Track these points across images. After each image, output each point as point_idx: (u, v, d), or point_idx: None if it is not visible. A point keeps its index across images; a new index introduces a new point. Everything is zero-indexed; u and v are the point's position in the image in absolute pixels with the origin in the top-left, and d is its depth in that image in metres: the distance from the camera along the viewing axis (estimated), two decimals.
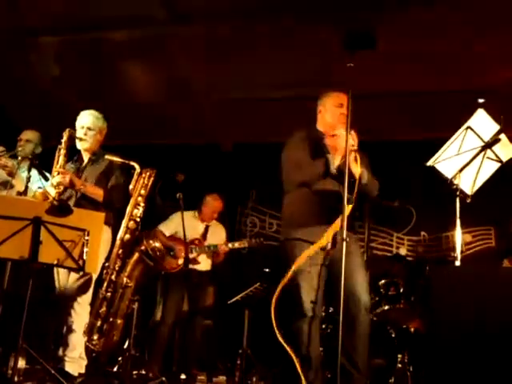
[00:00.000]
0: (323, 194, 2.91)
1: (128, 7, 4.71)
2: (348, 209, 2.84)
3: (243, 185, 6.41)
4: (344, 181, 2.77)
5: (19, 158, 4.10)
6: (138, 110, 5.80)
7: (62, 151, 3.63)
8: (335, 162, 3.08)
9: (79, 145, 3.78)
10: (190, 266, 4.79)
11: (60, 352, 3.43)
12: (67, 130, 3.70)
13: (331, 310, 4.31)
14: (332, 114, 3.27)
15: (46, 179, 4.08)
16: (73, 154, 3.86)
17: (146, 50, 5.17)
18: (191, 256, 4.85)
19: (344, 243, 2.84)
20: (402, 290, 4.55)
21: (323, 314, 3.22)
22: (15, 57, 5.44)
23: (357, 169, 3.03)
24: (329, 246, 3.01)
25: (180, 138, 6.45)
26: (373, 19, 4.39)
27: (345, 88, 3.11)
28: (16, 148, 4.15)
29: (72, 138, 3.72)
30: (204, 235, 5.14)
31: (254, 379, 4.73)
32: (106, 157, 3.71)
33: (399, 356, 4.35)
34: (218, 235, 5.22)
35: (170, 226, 5.04)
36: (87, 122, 3.79)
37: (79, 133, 3.76)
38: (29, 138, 4.24)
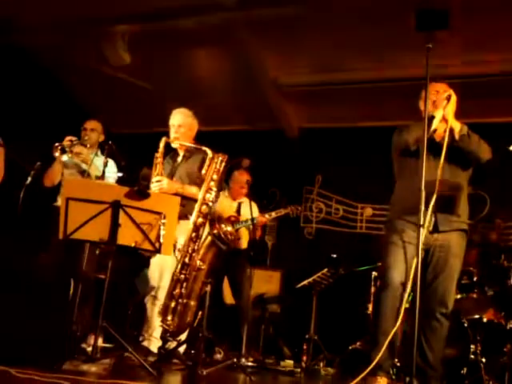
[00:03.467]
0: (426, 180, 2.87)
1: None
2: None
3: (309, 170, 6.38)
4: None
5: (88, 146, 4.25)
6: (206, 97, 5.86)
7: (159, 159, 3.76)
8: (435, 120, 3.06)
9: (173, 144, 3.91)
10: None
11: (141, 331, 3.56)
12: (163, 138, 3.82)
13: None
14: (430, 102, 3.20)
15: (118, 166, 4.25)
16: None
17: (215, 37, 5.21)
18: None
19: (421, 230, 2.83)
20: (475, 279, 4.43)
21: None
22: (86, 46, 5.61)
23: (455, 122, 3.06)
24: (429, 227, 2.99)
25: (246, 123, 6.49)
26: None
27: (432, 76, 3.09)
28: (82, 137, 4.30)
29: (167, 144, 3.83)
30: (238, 211, 5.11)
31: (322, 364, 4.73)
32: (178, 142, 3.81)
33: (472, 347, 4.22)
34: (251, 212, 5.18)
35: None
36: (178, 120, 3.96)
37: (172, 131, 3.93)
38: (94, 127, 4.41)
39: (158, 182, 3.68)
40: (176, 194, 3.55)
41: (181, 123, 3.94)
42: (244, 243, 5.06)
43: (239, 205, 5.14)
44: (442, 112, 3.07)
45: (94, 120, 4.48)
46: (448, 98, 3.06)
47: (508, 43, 4.63)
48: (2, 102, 4.76)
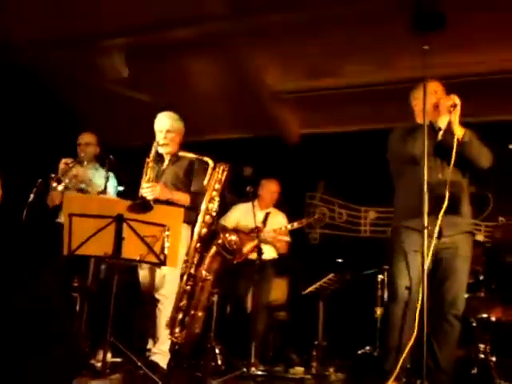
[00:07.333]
0: (428, 183, 2.85)
1: (189, 5, 4.78)
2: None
3: (311, 176, 6.37)
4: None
5: (85, 162, 4.23)
6: (204, 107, 5.87)
7: (150, 164, 3.69)
8: (439, 123, 3.07)
9: (161, 149, 3.84)
10: (251, 257, 4.72)
11: (149, 345, 3.54)
12: (155, 143, 3.76)
13: None
14: (428, 101, 3.19)
15: (118, 180, 4.24)
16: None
17: (211, 46, 5.22)
18: (251, 245, 4.77)
19: (425, 231, 2.82)
20: (481, 278, 4.41)
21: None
22: (83, 62, 5.63)
23: (458, 128, 3.03)
24: (435, 234, 2.98)
25: (245, 131, 6.49)
26: None
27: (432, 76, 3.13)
28: (78, 154, 4.28)
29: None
30: (264, 222, 5.01)
31: (332, 370, 4.70)
32: (180, 154, 3.78)
33: (481, 346, 4.20)
34: (278, 222, 5.09)
35: (229, 220, 5.05)
36: (166, 124, 3.85)
37: (159, 136, 3.83)
38: (88, 141, 4.36)
39: (151, 188, 3.59)
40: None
41: (169, 128, 3.84)
42: (271, 253, 4.98)
43: (266, 215, 5.05)
44: (448, 120, 3.06)
45: (88, 133, 4.41)
46: (454, 106, 3.03)
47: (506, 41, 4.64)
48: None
